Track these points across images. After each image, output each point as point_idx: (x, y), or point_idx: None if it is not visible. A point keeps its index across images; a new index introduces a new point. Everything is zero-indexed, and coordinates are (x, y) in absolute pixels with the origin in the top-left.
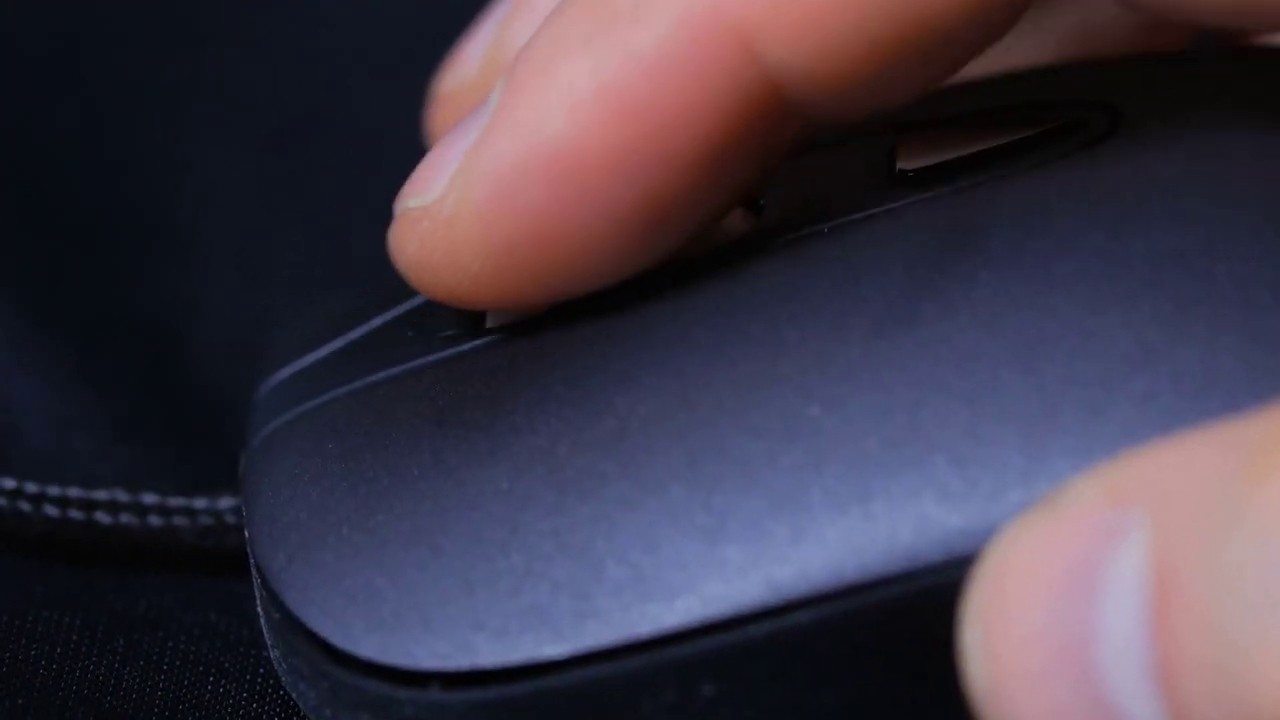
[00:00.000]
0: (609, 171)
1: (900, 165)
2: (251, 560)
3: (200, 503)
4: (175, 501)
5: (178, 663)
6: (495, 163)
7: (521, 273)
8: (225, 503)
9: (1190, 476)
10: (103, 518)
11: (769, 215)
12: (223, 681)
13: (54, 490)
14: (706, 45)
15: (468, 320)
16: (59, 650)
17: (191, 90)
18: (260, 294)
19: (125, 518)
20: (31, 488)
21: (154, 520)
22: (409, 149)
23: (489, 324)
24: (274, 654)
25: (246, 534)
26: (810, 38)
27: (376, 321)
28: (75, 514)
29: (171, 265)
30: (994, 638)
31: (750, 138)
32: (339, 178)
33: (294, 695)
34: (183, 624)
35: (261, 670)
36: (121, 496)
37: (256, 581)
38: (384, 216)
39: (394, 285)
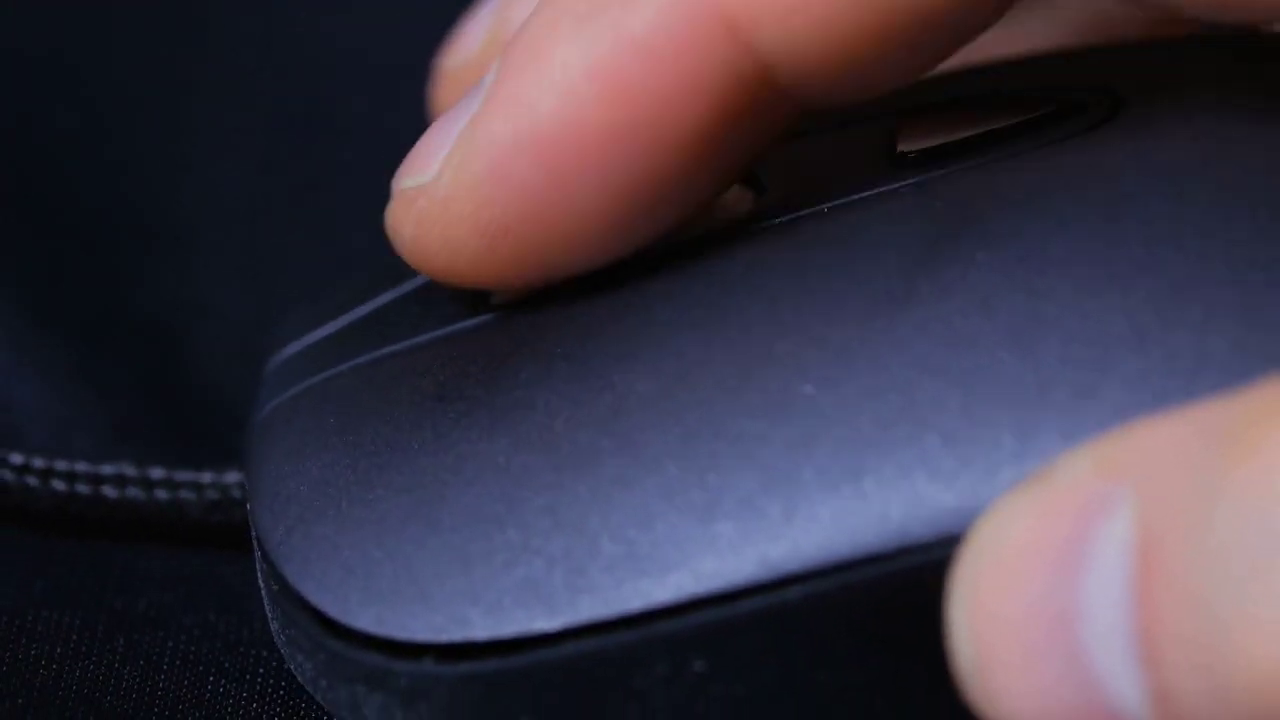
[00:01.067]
0: (601, 152)
1: (901, 147)
2: (253, 532)
3: (207, 477)
4: (182, 475)
5: (178, 662)
6: (489, 142)
7: (515, 251)
8: (232, 477)
9: (1177, 452)
10: (109, 492)
11: (771, 195)
12: (223, 681)
13: (61, 465)
14: (696, 29)
15: (473, 297)
16: (59, 650)
17: (192, 90)
18: (260, 294)
19: (132, 491)
20: (39, 463)
21: (160, 494)
22: (409, 149)
23: (494, 300)
24: (273, 626)
25: (248, 507)
26: (797, 24)
27: (385, 298)
28: (82, 488)
29: (171, 265)
30: (979, 615)
31: (741, 120)
32: (339, 178)
33: (291, 667)
34: (183, 624)
35: (261, 670)
36: (129, 470)
37: (257, 554)
38: (384, 216)
39: (403, 263)
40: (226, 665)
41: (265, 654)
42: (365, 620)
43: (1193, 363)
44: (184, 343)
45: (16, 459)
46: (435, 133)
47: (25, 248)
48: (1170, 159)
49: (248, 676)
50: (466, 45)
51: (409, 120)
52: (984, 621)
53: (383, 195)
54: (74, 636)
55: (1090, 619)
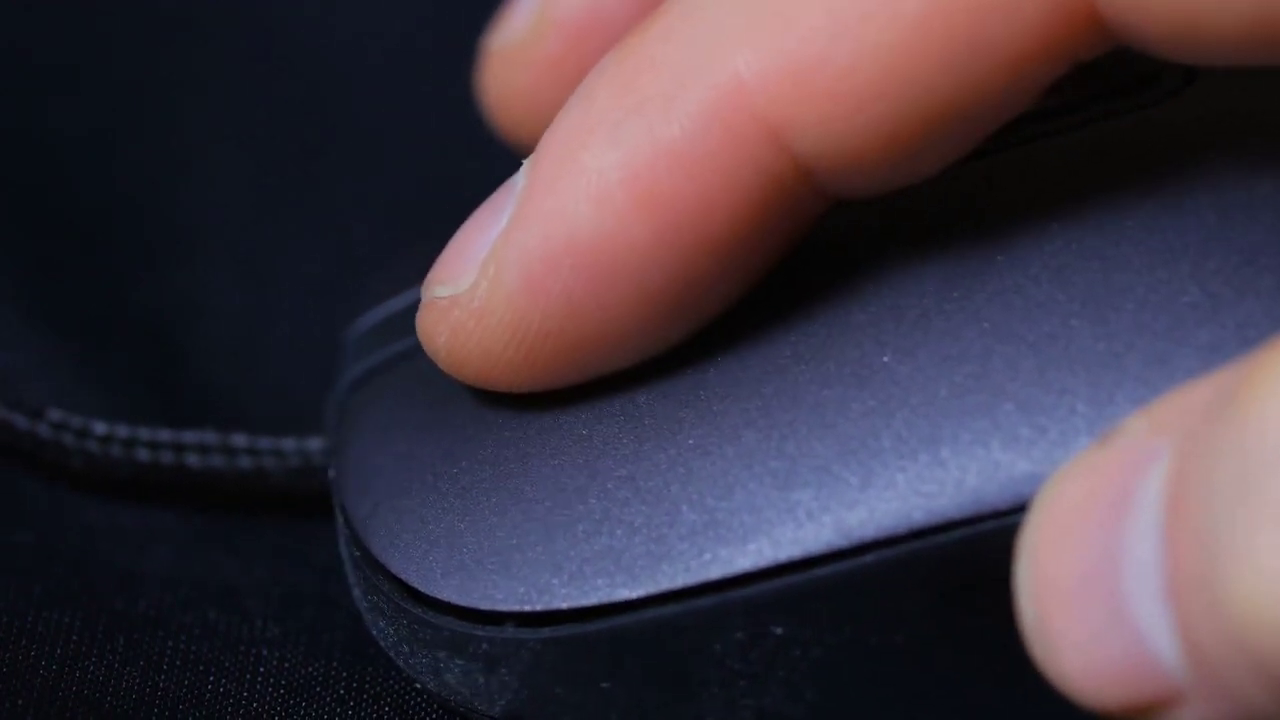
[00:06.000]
0: (637, 260)
1: None
2: (337, 504)
3: (289, 444)
4: (264, 443)
5: (178, 662)
6: (525, 254)
7: (552, 358)
8: (314, 444)
9: (1202, 405)
10: (193, 460)
11: None
12: (223, 681)
13: (144, 434)
14: (735, 136)
15: None
16: (59, 650)
17: (192, 90)
18: (260, 294)
19: (215, 460)
20: (123, 431)
21: (243, 462)
22: (409, 149)
23: None
24: (355, 592)
25: (332, 477)
26: (839, 128)
27: None
28: (166, 457)
29: (171, 265)
30: (1039, 577)
31: (778, 219)
32: (339, 178)
33: (373, 632)
34: (183, 623)
35: (262, 670)
36: (210, 439)
37: (340, 522)
38: (384, 216)
39: None
40: (227, 664)
41: (265, 653)
42: (449, 591)
43: (1265, 332)
44: (184, 342)
45: (100, 428)
46: (466, 239)
47: (25, 248)
48: (1244, 127)
49: (248, 676)
50: (515, 24)
51: (409, 119)
52: (1043, 582)
53: (383, 193)
54: (74, 637)
55: (1130, 569)
